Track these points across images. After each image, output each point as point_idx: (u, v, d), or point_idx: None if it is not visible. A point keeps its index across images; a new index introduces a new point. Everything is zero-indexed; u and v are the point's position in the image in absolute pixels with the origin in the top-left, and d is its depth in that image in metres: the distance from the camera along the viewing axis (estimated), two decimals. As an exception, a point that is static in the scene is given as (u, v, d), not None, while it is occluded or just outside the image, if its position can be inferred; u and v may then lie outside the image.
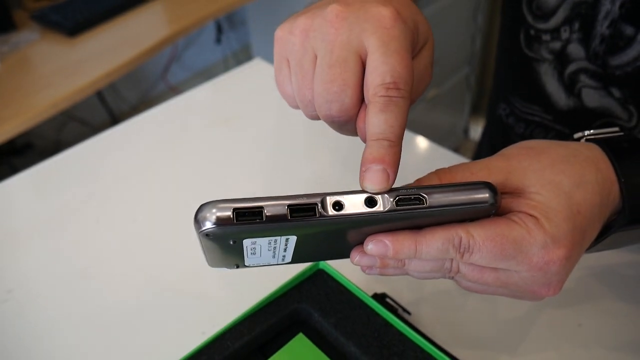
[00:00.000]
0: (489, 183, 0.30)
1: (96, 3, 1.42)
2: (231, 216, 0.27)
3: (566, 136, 0.58)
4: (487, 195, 0.29)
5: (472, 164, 0.33)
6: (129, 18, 1.43)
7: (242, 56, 2.33)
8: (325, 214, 0.28)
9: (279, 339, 0.41)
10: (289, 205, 0.28)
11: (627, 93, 0.52)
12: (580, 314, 0.47)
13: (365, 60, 0.31)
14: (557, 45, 0.55)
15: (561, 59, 0.55)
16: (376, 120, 0.30)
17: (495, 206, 0.30)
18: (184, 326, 0.48)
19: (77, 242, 0.57)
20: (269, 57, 0.65)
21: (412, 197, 0.29)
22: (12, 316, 0.50)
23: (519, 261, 0.30)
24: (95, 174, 0.67)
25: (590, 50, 0.52)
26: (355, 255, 0.33)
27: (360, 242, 0.32)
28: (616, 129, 0.36)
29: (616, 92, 0.53)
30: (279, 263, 0.34)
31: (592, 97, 0.55)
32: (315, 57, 0.32)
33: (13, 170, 1.36)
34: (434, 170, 0.33)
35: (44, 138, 1.83)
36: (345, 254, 0.34)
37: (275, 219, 0.27)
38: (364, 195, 0.29)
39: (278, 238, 0.30)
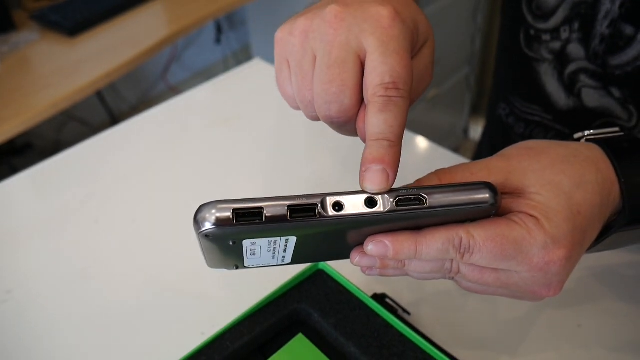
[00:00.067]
0: (489, 183, 0.30)
1: (96, 3, 1.42)
2: (231, 217, 0.27)
3: (566, 136, 0.58)
4: (487, 195, 0.29)
5: (472, 165, 0.33)
6: (129, 18, 1.43)
7: (242, 56, 2.33)
8: (325, 214, 0.28)
9: (279, 340, 0.41)
10: (288, 206, 0.28)
11: (627, 93, 0.52)
12: (580, 315, 0.47)
13: (365, 60, 0.31)
14: (557, 45, 0.55)
15: (561, 59, 0.55)
16: (375, 120, 0.30)
17: (496, 206, 0.30)
18: (183, 326, 0.48)
19: (76, 242, 0.57)
20: (268, 57, 0.65)
21: (412, 197, 0.29)
22: (12, 316, 0.50)
23: (519, 261, 0.30)
24: (95, 174, 0.67)
25: (590, 50, 0.52)
26: (355, 255, 0.33)
27: (360, 243, 0.32)
28: (616, 129, 0.36)
29: (616, 92, 0.53)
30: (278, 264, 0.34)
31: (592, 97, 0.55)
32: (315, 58, 0.32)
33: (13, 170, 1.35)
34: (434, 170, 0.33)
35: (43, 138, 1.83)
36: (345, 255, 0.34)
37: (275, 219, 0.27)
38: (364, 196, 0.29)
39: (278, 239, 0.29)
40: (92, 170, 0.68)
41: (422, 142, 0.69)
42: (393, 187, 0.29)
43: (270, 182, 0.64)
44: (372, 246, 0.31)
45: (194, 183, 0.65)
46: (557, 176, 0.32)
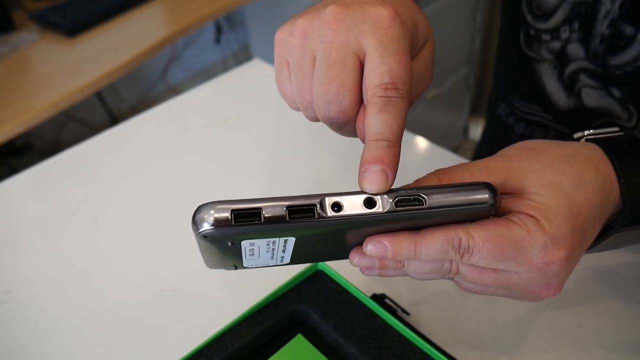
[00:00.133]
0: (488, 184, 0.30)
1: (95, 3, 1.42)
2: (229, 217, 0.27)
3: (566, 136, 0.58)
4: (486, 195, 0.29)
5: (471, 165, 0.33)
6: (129, 18, 1.43)
7: (242, 56, 2.33)
8: (324, 215, 0.28)
9: (278, 340, 0.41)
10: (287, 207, 0.27)
11: (627, 93, 0.52)
12: (579, 315, 0.47)
13: (364, 61, 0.31)
14: (556, 45, 0.55)
15: (561, 59, 0.55)
16: (375, 120, 0.29)
17: (495, 207, 0.30)
18: (182, 327, 0.48)
19: (76, 242, 0.57)
20: (268, 58, 0.65)
21: (412, 197, 0.29)
22: (11, 317, 0.50)
23: (519, 262, 0.30)
24: (94, 174, 0.67)
25: (590, 50, 0.52)
26: (355, 256, 0.33)
27: (360, 243, 0.32)
28: (616, 128, 0.36)
29: (616, 92, 0.53)
30: (277, 264, 0.34)
31: (592, 97, 0.54)
32: (314, 58, 0.32)
33: (12, 170, 1.35)
34: (433, 170, 0.33)
35: (43, 138, 1.82)
36: (344, 255, 0.34)
37: (274, 220, 0.27)
38: (363, 196, 0.29)
39: (276, 239, 0.29)
40: (92, 170, 0.67)
41: (421, 142, 0.69)
42: (392, 187, 0.29)
43: (270, 183, 0.64)
44: (371, 246, 0.31)
45: (193, 183, 0.65)
46: (557, 176, 0.32)
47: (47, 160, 0.69)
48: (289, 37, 0.33)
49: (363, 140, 0.31)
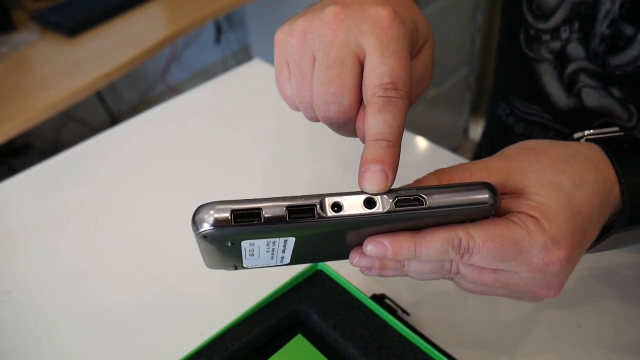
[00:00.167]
0: (488, 184, 0.30)
1: (95, 3, 1.42)
2: (229, 218, 0.27)
3: (566, 136, 0.58)
4: (486, 196, 0.29)
5: (471, 165, 0.33)
6: (129, 18, 1.43)
7: (242, 56, 2.33)
8: (323, 215, 0.28)
9: (278, 340, 0.41)
10: (287, 207, 0.27)
11: (627, 93, 0.52)
12: (579, 315, 0.47)
13: (364, 61, 0.31)
14: (556, 45, 0.55)
15: (561, 59, 0.55)
16: (375, 120, 0.29)
17: (495, 207, 0.30)
18: (182, 327, 0.48)
19: (76, 242, 0.57)
20: (268, 58, 0.65)
21: (412, 198, 0.29)
22: (11, 317, 0.50)
23: (519, 262, 0.30)
24: (94, 174, 0.67)
25: (590, 50, 0.52)
26: (354, 256, 0.33)
27: (360, 243, 0.32)
28: (616, 128, 0.36)
29: (616, 92, 0.53)
30: (277, 264, 0.34)
31: (592, 97, 0.54)
32: (314, 58, 0.32)
33: (12, 171, 1.35)
34: (433, 170, 0.33)
35: (43, 139, 1.82)
36: (344, 255, 0.34)
37: (274, 220, 0.27)
38: (363, 196, 0.29)
39: (276, 239, 0.29)
40: (92, 170, 0.67)
41: (421, 142, 0.69)
42: (392, 187, 0.29)
43: (270, 183, 0.64)
44: (371, 247, 0.31)
45: (193, 183, 0.65)
46: (557, 176, 0.32)
47: (47, 161, 0.69)
48: (289, 38, 0.33)
49: (363, 141, 0.31)
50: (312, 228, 0.28)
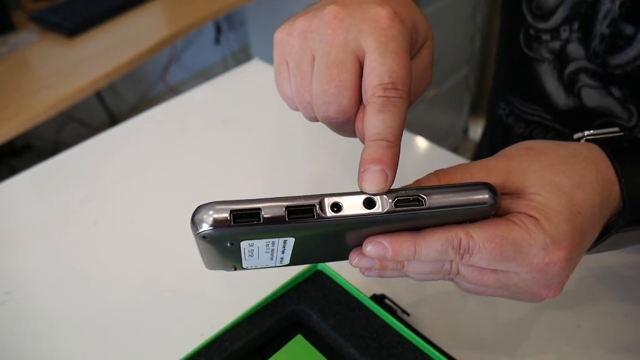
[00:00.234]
0: (488, 184, 0.30)
1: (95, 4, 1.42)
2: (228, 218, 0.27)
3: (566, 136, 0.58)
4: (486, 196, 0.29)
5: (471, 165, 0.33)
6: (128, 19, 1.42)
7: (241, 56, 2.33)
8: (323, 215, 0.28)
9: (278, 341, 0.41)
10: (286, 207, 0.27)
11: (627, 92, 0.52)
12: (579, 315, 0.47)
13: (363, 61, 0.31)
14: (556, 44, 0.55)
15: (561, 59, 0.55)
16: (374, 120, 0.29)
17: (495, 207, 0.30)
18: (182, 327, 0.48)
19: (75, 243, 0.57)
20: (268, 58, 0.65)
21: (411, 198, 0.29)
22: (11, 318, 0.50)
23: (519, 262, 0.30)
24: (94, 174, 0.67)
25: (590, 50, 0.52)
26: (354, 257, 0.32)
27: (359, 244, 0.32)
28: (616, 129, 0.36)
29: (616, 92, 0.53)
30: (277, 265, 0.33)
31: (592, 97, 0.54)
32: (314, 58, 0.32)
33: (12, 171, 1.35)
34: (433, 170, 0.33)
35: (43, 139, 1.82)
36: (343, 256, 0.34)
37: (273, 220, 0.27)
38: (363, 197, 0.29)
39: (276, 240, 0.29)
40: (92, 170, 0.67)
41: (421, 142, 0.69)
42: (392, 187, 0.29)
43: (270, 183, 0.64)
44: (371, 247, 0.31)
45: (193, 183, 0.64)
46: (557, 176, 0.32)
47: (47, 161, 0.69)
48: (288, 37, 0.33)
49: (362, 141, 0.31)
50: (311, 228, 0.28)
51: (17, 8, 1.47)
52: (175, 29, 1.37)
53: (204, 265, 0.33)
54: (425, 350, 0.39)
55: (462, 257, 0.30)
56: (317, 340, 0.41)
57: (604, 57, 0.51)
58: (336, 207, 0.28)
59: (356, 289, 0.42)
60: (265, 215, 0.27)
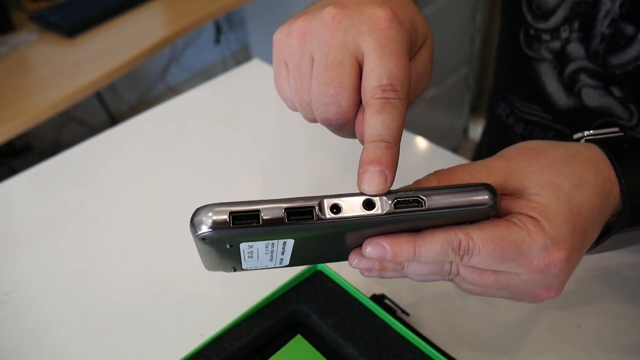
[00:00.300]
0: (488, 185, 0.30)
1: (95, 4, 1.42)
2: (227, 220, 0.27)
3: (566, 136, 0.58)
4: (486, 197, 0.29)
5: (471, 165, 0.33)
6: (128, 19, 1.42)
7: (241, 57, 2.33)
8: (322, 217, 0.28)
9: (277, 341, 0.41)
10: (286, 209, 0.27)
11: (627, 92, 0.52)
12: (579, 316, 0.47)
13: (362, 62, 0.31)
14: (556, 44, 0.55)
15: (561, 59, 0.55)
16: (373, 122, 0.29)
17: (495, 208, 0.30)
18: (182, 328, 0.48)
19: (75, 243, 0.57)
20: (268, 58, 0.65)
21: (411, 199, 0.29)
22: (10, 318, 0.50)
23: (519, 263, 0.30)
24: (94, 174, 0.67)
25: (591, 50, 0.52)
26: (354, 258, 0.32)
27: (359, 245, 0.32)
28: (616, 129, 0.36)
29: (616, 92, 0.53)
30: (276, 266, 0.33)
31: (592, 97, 0.54)
32: (313, 59, 0.32)
33: (12, 171, 1.35)
34: (433, 171, 0.33)
35: (43, 139, 1.82)
36: (343, 257, 0.33)
37: (272, 222, 0.27)
38: (362, 198, 0.29)
39: (275, 241, 0.29)
40: (91, 171, 0.67)
41: (421, 142, 0.69)
42: (391, 188, 0.29)
43: (270, 183, 0.64)
44: (371, 248, 0.31)
45: (193, 183, 0.64)
46: (557, 177, 0.32)
47: (47, 161, 0.69)
48: (287, 38, 0.33)
49: (363, 142, 0.31)
50: (310, 230, 0.28)
51: (17, 8, 1.47)
52: (175, 29, 1.37)
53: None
54: (425, 351, 0.39)
55: (462, 258, 0.30)
56: (316, 341, 0.41)
57: (604, 57, 0.51)
58: (335, 208, 0.28)
59: (356, 289, 0.42)
60: (264, 217, 0.27)
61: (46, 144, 1.84)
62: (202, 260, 0.32)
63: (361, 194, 0.29)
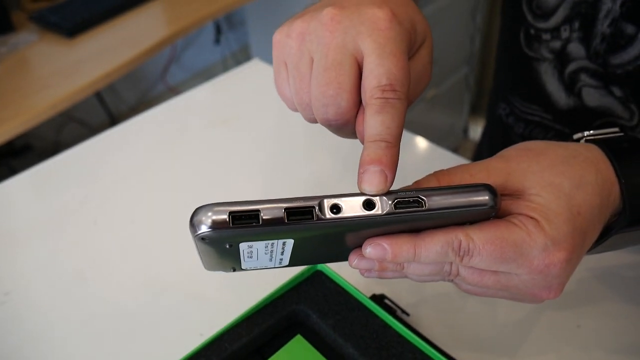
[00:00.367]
0: (488, 185, 0.30)
1: (95, 4, 1.42)
2: (227, 219, 0.27)
3: (566, 136, 0.58)
4: (486, 197, 0.29)
5: (471, 166, 0.33)
6: (128, 19, 1.42)
7: (241, 56, 2.33)
8: (322, 217, 0.28)
9: (277, 341, 0.41)
10: (285, 209, 0.27)
11: (628, 92, 0.52)
12: (579, 316, 0.47)
13: (362, 62, 0.31)
14: (557, 44, 0.54)
15: (561, 58, 0.55)
16: (373, 121, 0.29)
17: (495, 209, 0.30)
18: (181, 328, 0.48)
19: (75, 243, 0.57)
20: (267, 58, 0.65)
21: (411, 199, 0.29)
22: (10, 318, 0.50)
23: (519, 264, 0.30)
24: (94, 174, 0.67)
25: (591, 49, 0.52)
26: (354, 258, 0.32)
27: (359, 245, 0.32)
28: (616, 129, 0.36)
29: (617, 91, 0.52)
30: (276, 266, 0.33)
31: (593, 97, 0.54)
32: (312, 60, 0.32)
33: (12, 171, 1.35)
34: (433, 171, 0.33)
35: (43, 139, 1.82)
36: (343, 257, 0.33)
37: (272, 222, 0.27)
38: (362, 198, 0.28)
39: (275, 241, 0.29)
40: (91, 171, 0.67)
41: (421, 142, 0.69)
42: (392, 189, 0.29)
43: (270, 183, 0.64)
44: (371, 249, 0.31)
45: (193, 183, 0.64)
46: (557, 177, 0.32)
47: (47, 161, 0.69)
48: (287, 39, 0.33)
49: (363, 143, 0.31)
50: (310, 230, 0.28)
51: (17, 8, 1.47)
52: (175, 29, 1.37)
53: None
54: (425, 351, 0.39)
55: (462, 259, 0.30)
56: (316, 340, 0.41)
57: (605, 56, 0.51)
58: (335, 208, 0.28)
59: (356, 289, 0.42)
60: (264, 217, 0.27)
61: (46, 144, 1.84)
62: (202, 260, 0.32)
63: (361, 194, 0.29)
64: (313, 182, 0.64)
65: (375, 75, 0.30)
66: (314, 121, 0.34)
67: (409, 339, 0.39)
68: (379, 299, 0.45)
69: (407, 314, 0.45)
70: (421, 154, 0.69)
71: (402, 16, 0.32)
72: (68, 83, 1.20)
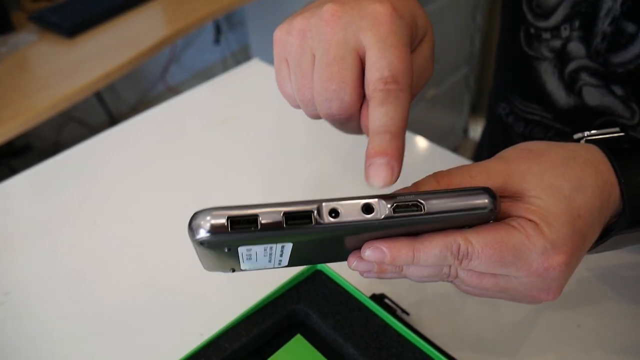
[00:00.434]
0: (488, 189, 0.30)
1: (95, 4, 1.42)
2: (225, 224, 0.26)
3: (566, 135, 0.58)
4: (486, 201, 0.29)
5: (470, 167, 0.33)
6: (128, 19, 1.42)
7: (241, 56, 2.33)
8: (321, 221, 0.27)
9: (277, 341, 0.41)
10: (284, 213, 0.27)
11: (629, 91, 0.52)
12: (579, 316, 0.47)
13: (364, 57, 0.31)
14: (557, 43, 0.54)
15: (561, 58, 0.55)
16: (376, 113, 0.29)
17: (495, 212, 0.29)
18: (181, 328, 0.48)
19: (75, 243, 0.57)
20: (267, 58, 0.65)
21: (410, 203, 0.28)
22: (10, 318, 0.50)
23: (518, 267, 0.30)
24: (93, 175, 0.67)
25: (591, 48, 0.52)
26: (353, 260, 0.32)
27: (358, 247, 0.32)
28: (616, 129, 0.35)
29: (618, 90, 0.52)
30: (275, 267, 0.33)
31: (593, 96, 0.54)
32: (314, 56, 0.32)
33: (12, 171, 1.35)
34: (433, 171, 0.33)
35: (43, 139, 1.82)
36: (342, 258, 0.33)
37: (271, 227, 0.27)
38: (361, 202, 0.28)
39: (274, 245, 0.29)
40: (91, 171, 0.67)
41: (421, 142, 0.69)
42: (390, 193, 0.29)
43: (269, 183, 0.64)
44: (370, 252, 0.31)
45: (192, 183, 0.64)
46: (557, 180, 0.31)
47: (47, 161, 0.69)
48: (288, 36, 0.33)
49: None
50: (309, 234, 0.28)
51: (16, 8, 1.47)
52: (174, 29, 1.37)
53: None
54: (424, 350, 0.39)
55: (461, 263, 0.30)
56: (316, 340, 0.41)
57: (605, 55, 0.51)
58: (334, 212, 0.28)
59: (356, 288, 0.42)
60: (262, 222, 0.27)
61: (46, 144, 1.84)
62: (201, 261, 0.32)
63: (360, 197, 0.29)
64: (313, 182, 0.63)
65: (378, 67, 0.30)
66: (317, 117, 0.34)
67: (409, 338, 0.39)
68: (379, 298, 0.45)
69: (407, 314, 0.45)
70: (421, 154, 0.69)
71: (402, 10, 0.32)
72: (68, 83, 1.20)
